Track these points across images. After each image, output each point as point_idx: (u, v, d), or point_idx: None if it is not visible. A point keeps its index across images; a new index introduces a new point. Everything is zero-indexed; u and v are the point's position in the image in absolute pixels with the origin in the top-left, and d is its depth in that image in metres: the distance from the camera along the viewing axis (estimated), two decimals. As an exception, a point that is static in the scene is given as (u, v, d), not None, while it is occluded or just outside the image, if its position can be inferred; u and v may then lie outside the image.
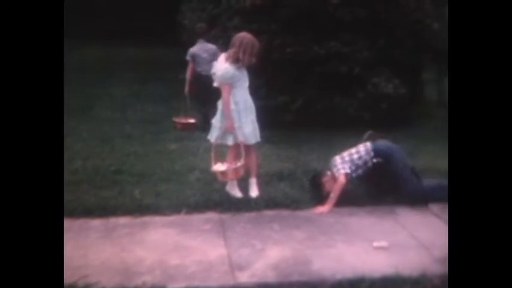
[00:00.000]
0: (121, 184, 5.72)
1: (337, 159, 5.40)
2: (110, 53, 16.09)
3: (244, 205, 5.22)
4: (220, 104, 5.38)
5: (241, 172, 5.37)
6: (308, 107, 8.21)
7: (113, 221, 4.88)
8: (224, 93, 5.26)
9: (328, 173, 5.40)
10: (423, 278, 3.93)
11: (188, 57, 8.38)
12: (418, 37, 8.80)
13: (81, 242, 4.43)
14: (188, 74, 8.43)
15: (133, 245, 4.43)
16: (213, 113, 5.55)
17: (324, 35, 8.10)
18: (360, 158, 5.39)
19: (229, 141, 5.39)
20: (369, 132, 5.78)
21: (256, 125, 5.42)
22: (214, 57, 7.47)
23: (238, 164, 5.32)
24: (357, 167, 5.36)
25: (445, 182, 5.16)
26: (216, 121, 5.45)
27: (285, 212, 5.15)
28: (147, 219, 4.94)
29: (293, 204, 5.27)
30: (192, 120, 8.45)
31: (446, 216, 4.85)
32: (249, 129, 5.31)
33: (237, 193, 5.44)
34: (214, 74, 5.44)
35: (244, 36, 5.26)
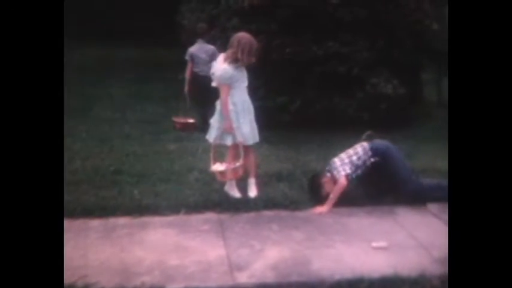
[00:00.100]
0: (120, 184, 5.72)
1: (336, 161, 5.39)
2: (109, 54, 16.09)
3: (243, 205, 5.23)
4: (218, 104, 5.38)
5: (240, 172, 5.37)
6: (307, 107, 8.21)
7: (112, 221, 4.88)
8: (222, 94, 5.27)
9: (328, 174, 5.40)
10: (422, 278, 3.94)
11: (187, 57, 8.39)
12: (417, 37, 8.81)
13: (80, 242, 4.43)
14: (187, 74, 8.45)
15: (132, 245, 4.43)
16: (212, 113, 5.56)
17: (323, 35, 8.10)
18: (358, 158, 5.39)
19: (228, 142, 5.39)
20: (367, 133, 5.79)
21: (254, 126, 5.43)
22: (212, 57, 7.47)
23: (237, 164, 5.32)
24: (356, 167, 5.36)
25: (444, 182, 5.21)
26: (214, 121, 5.46)
27: (283, 213, 5.15)
28: (146, 219, 4.94)
29: (292, 204, 5.27)
30: (191, 120, 8.46)
31: (445, 217, 4.87)
32: (247, 129, 5.31)
33: (236, 193, 5.45)
34: (213, 74, 5.44)
35: (242, 36, 5.26)
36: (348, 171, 5.29)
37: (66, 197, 4.58)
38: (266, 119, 5.87)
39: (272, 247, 4.43)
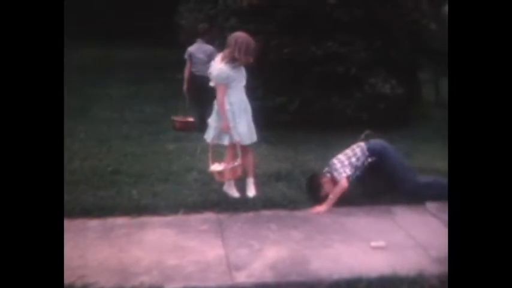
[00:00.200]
0: (119, 184, 5.72)
1: (336, 163, 5.40)
2: (108, 54, 16.08)
3: (242, 205, 5.23)
4: (216, 104, 5.39)
5: (239, 172, 5.37)
6: (306, 107, 8.21)
7: (111, 221, 4.88)
8: (219, 94, 5.27)
9: (327, 175, 5.40)
10: (420, 277, 3.95)
11: (186, 56, 8.39)
12: (415, 37, 8.81)
13: (79, 243, 4.43)
14: (186, 73, 8.44)
15: (131, 245, 4.43)
16: (210, 113, 5.56)
17: (321, 35, 8.10)
18: (357, 159, 5.41)
19: (225, 141, 5.39)
20: (366, 132, 5.80)
21: (252, 126, 5.42)
22: (210, 58, 7.46)
23: (235, 164, 5.32)
24: (356, 168, 5.38)
25: (441, 178, 5.28)
26: (212, 121, 5.46)
27: (282, 212, 5.16)
28: (144, 219, 4.94)
29: (290, 204, 5.28)
30: (191, 119, 8.44)
31: (444, 216, 4.89)
32: (244, 129, 5.31)
33: (235, 193, 5.45)
34: (210, 74, 5.44)
35: (239, 35, 5.26)
36: (349, 172, 5.30)
37: (65, 197, 4.56)
38: (265, 118, 5.87)
39: (271, 247, 4.43)
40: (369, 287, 3.84)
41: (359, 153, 5.44)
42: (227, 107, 5.24)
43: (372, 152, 5.45)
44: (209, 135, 5.48)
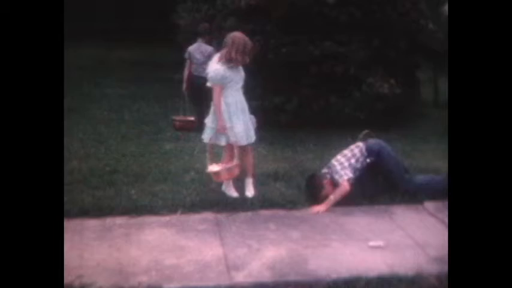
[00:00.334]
0: (117, 184, 5.71)
1: (336, 164, 5.39)
2: (106, 53, 16.07)
3: (240, 205, 5.23)
4: (213, 104, 5.38)
5: (235, 173, 5.36)
6: (304, 107, 8.21)
7: (109, 221, 4.87)
8: (215, 94, 5.26)
9: (327, 176, 5.39)
10: (419, 277, 3.95)
11: (186, 56, 8.38)
12: (413, 37, 8.82)
13: (77, 243, 4.42)
14: (185, 73, 8.42)
15: (129, 245, 4.43)
16: (207, 113, 5.55)
17: (319, 35, 8.10)
18: (357, 160, 5.41)
19: (222, 142, 5.39)
20: (364, 132, 5.81)
21: (249, 126, 5.41)
22: (208, 58, 7.47)
23: (231, 164, 5.32)
24: (355, 169, 5.38)
25: (436, 176, 5.36)
26: (209, 121, 5.45)
27: (280, 212, 5.16)
28: (143, 219, 4.93)
29: (289, 204, 5.27)
30: (191, 118, 8.40)
31: (442, 215, 4.90)
32: (240, 129, 5.30)
33: (233, 193, 5.44)
34: (207, 74, 5.44)
35: (235, 35, 5.26)
36: (350, 175, 5.30)
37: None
38: (263, 118, 5.86)
39: (269, 246, 4.43)
40: (368, 286, 3.84)
41: (358, 154, 5.44)
42: (223, 107, 5.24)
43: (370, 152, 5.46)
44: (206, 136, 5.47)
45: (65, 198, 4.87)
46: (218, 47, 5.96)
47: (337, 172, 5.33)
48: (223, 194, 5.44)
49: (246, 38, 5.24)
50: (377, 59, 8.38)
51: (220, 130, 5.29)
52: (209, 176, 5.52)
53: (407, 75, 9.12)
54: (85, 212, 4.98)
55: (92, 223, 4.82)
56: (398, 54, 8.59)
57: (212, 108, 5.39)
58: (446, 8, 9.31)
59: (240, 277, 3.95)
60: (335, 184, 5.33)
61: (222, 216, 5.02)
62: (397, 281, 3.88)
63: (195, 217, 5.01)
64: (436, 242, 4.44)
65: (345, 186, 5.24)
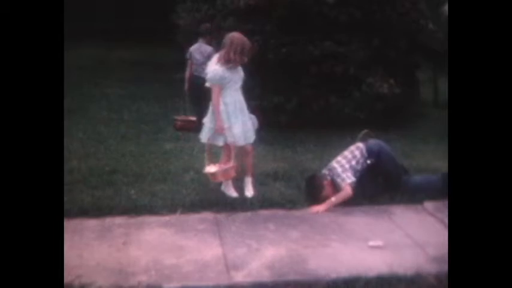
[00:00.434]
0: (116, 184, 5.71)
1: (337, 167, 5.38)
2: (106, 54, 16.06)
3: (240, 205, 5.23)
4: (212, 105, 5.38)
5: (231, 174, 5.36)
6: (303, 107, 8.21)
7: (109, 221, 4.87)
8: (213, 94, 5.27)
9: (328, 177, 5.39)
10: (418, 276, 3.95)
11: (187, 56, 8.37)
12: (413, 37, 8.82)
13: (76, 242, 4.42)
14: (187, 73, 8.41)
15: (129, 245, 4.43)
16: (206, 113, 5.55)
17: (319, 35, 8.11)
18: (357, 162, 5.42)
19: (220, 142, 5.39)
20: (364, 132, 5.81)
21: (248, 126, 5.41)
22: (208, 58, 7.47)
23: (227, 165, 5.32)
24: (356, 171, 5.39)
25: (433, 176, 5.46)
26: (207, 121, 5.45)
27: (280, 212, 5.16)
28: (142, 219, 4.93)
29: (288, 203, 5.28)
30: (192, 118, 8.38)
31: (441, 215, 4.91)
32: (238, 130, 5.30)
33: (233, 193, 5.44)
34: (206, 74, 5.45)
35: (233, 36, 5.26)
36: (353, 179, 5.30)
37: (63, 197, 4.58)
38: (262, 118, 5.86)
39: (269, 246, 4.43)
40: (367, 286, 3.84)
41: (358, 156, 5.44)
42: (222, 107, 5.24)
43: (370, 153, 5.46)
44: (204, 135, 5.47)
45: (65, 198, 4.87)
46: (218, 48, 5.97)
47: (338, 175, 5.32)
48: (223, 194, 5.45)
49: (245, 39, 5.24)
50: (377, 59, 8.39)
51: (219, 130, 5.29)
52: (207, 176, 5.53)
53: (407, 75, 9.13)
54: (85, 212, 4.98)
55: (92, 223, 4.83)
56: (398, 54, 8.60)
57: (211, 108, 5.39)
58: (446, 8, 9.32)
59: (239, 277, 3.95)
60: (335, 186, 5.33)
61: (221, 216, 5.02)
62: (397, 281, 3.89)
63: (195, 217, 5.01)
64: (435, 241, 4.45)
65: (347, 190, 5.24)
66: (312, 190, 5.39)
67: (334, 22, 8.06)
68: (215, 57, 5.37)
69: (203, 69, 6.52)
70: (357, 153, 5.47)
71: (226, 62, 5.20)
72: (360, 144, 5.55)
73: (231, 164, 5.33)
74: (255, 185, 5.57)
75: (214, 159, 5.53)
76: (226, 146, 5.40)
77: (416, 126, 8.81)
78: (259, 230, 4.76)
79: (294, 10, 8.02)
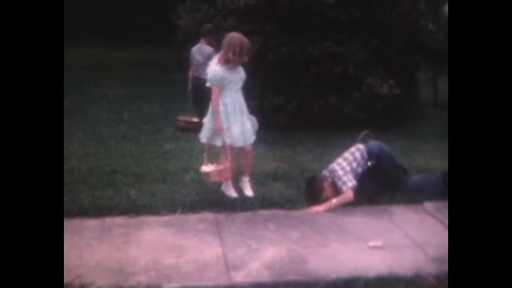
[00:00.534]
0: (116, 184, 5.71)
1: (338, 169, 5.37)
2: (106, 54, 16.07)
3: (240, 205, 5.23)
4: (211, 105, 5.38)
5: (226, 174, 5.36)
6: (303, 107, 8.22)
7: (109, 221, 4.87)
8: (213, 95, 5.27)
9: (329, 179, 5.39)
10: (418, 277, 3.95)
11: (191, 57, 8.36)
12: (413, 37, 8.83)
13: (76, 242, 4.42)
14: (190, 74, 8.40)
15: (128, 245, 4.43)
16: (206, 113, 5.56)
17: (318, 35, 8.11)
18: (358, 164, 5.42)
19: (218, 142, 5.38)
20: (364, 132, 5.81)
21: (247, 128, 5.40)
22: (208, 59, 7.48)
23: (223, 166, 5.32)
24: (356, 173, 5.39)
25: (431, 176, 5.49)
26: (206, 121, 5.46)
27: (280, 212, 5.16)
28: (142, 219, 4.93)
29: (288, 204, 5.27)
30: (195, 120, 8.36)
31: (441, 215, 4.91)
32: (237, 131, 5.30)
33: (232, 193, 5.44)
34: (207, 74, 5.45)
35: (232, 36, 5.26)
36: (354, 182, 5.29)
37: (62, 197, 4.58)
38: (262, 118, 5.86)
39: (268, 246, 4.43)
40: (367, 286, 3.84)
41: (359, 158, 5.44)
42: (221, 108, 5.24)
43: (370, 155, 5.46)
44: (203, 135, 5.48)
45: (65, 198, 4.87)
46: (218, 48, 5.97)
47: (339, 177, 5.31)
48: (223, 194, 5.45)
49: (244, 39, 5.24)
50: (376, 59, 8.40)
51: (217, 131, 5.29)
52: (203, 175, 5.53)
53: (406, 76, 9.14)
54: (84, 212, 4.98)
55: (92, 223, 4.83)
56: (397, 55, 8.60)
57: (210, 109, 5.39)
58: (446, 8, 9.33)
59: (239, 277, 3.95)
60: (336, 188, 5.33)
61: (221, 216, 5.02)
62: (396, 281, 3.88)
63: (195, 217, 5.01)
64: (435, 242, 4.45)
65: (349, 194, 5.24)
66: (312, 191, 5.39)
67: (334, 22, 8.07)
68: (216, 58, 5.38)
69: (203, 70, 6.52)
70: (358, 155, 5.46)
71: (226, 62, 5.20)
72: (361, 146, 5.54)
73: (227, 164, 5.33)
74: (255, 185, 5.56)
75: (214, 159, 5.53)
76: (225, 147, 5.40)
77: (416, 127, 8.81)
78: (259, 230, 4.76)
79: (294, 10, 8.03)
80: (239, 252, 4.33)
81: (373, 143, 5.62)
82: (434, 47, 9.28)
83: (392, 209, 5.24)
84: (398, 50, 8.60)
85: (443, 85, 9.49)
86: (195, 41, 8.38)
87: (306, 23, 8.12)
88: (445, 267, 3.38)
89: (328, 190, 5.33)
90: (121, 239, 4.54)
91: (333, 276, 3.94)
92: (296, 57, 8.05)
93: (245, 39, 5.25)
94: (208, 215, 5.04)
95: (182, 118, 8.48)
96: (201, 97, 6.82)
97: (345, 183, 5.28)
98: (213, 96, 5.27)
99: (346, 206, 5.22)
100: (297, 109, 8.21)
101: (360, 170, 5.41)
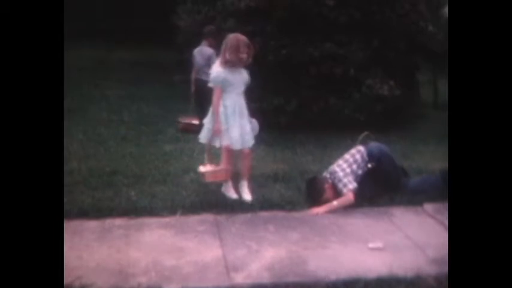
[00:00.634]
0: (116, 185, 5.71)
1: (338, 171, 5.37)
2: (106, 54, 16.08)
3: (240, 206, 5.23)
4: (212, 106, 5.38)
5: (222, 176, 5.36)
6: (303, 108, 8.22)
7: (109, 222, 4.87)
8: (214, 96, 5.28)
9: (329, 181, 5.39)
10: (418, 278, 3.94)
11: (193, 59, 8.35)
12: (412, 39, 8.83)
13: (76, 243, 4.42)
14: (192, 75, 8.40)
15: (128, 246, 4.42)
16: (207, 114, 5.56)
17: (318, 36, 8.12)
18: (358, 166, 5.42)
19: (217, 143, 5.38)
20: (364, 133, 5.81)
21: (246, 131, 5.38)
22: (208, 61, 7.50)
23: (219, 168, 5.32)
24: (357, 175, 5.39)
25: (430, 177, 5.53)
26: (207, 122, 5.46)
27: (280, 213, 5.15)
28: (142, 220, 4.93)
29: (288, 205, 5.27)
30: (195, 121, 8.37)
31: (441, 217, 4.90)
32: (236, 133, 5.29)
33: (233, 194, 5.44)
34: (210, 75, 5.45)
35: (228, 37, 5.28)
36: (355, 184, 5.29)
37: (62, 198, 4.57)
38: (262, 120, 5.87)
39: (268, 248, 4.43)
40: (367, 287, 3.83)
41: (359, 160, 5.44)
42: (221, 109, 5.24)
43: (370, 157, 5.46)
44: (203, 136, 5.48)
45: (65, 199, 4.87)
46: (219, 50, 5.98)
47: (340, 180, 5.31)
48: (223, 196, 5.44)
49: (240, 37, 5.23)
50: (376, 60, 8.41)
51: (216, 132, 5.29)
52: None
53: (406, 77, 9.15)
54: (85, 213, 4.97)
55: (92, 224, 4.82)
56: (397, 56, 8.62)
57: (211, 109, 5.40)
58: (446, 10, 9.34)
59: (239, 278, 3.95)
60: (336, 190, 5.32)
61: (221, 218, 5.01)
62: (396, 283, 3.88)
63: (195, 218, 5.00)
64: (435, 243, 4.44)
65: (349, 196, 5.24)
66: (313, 193, 5.39)
67: (334, 23, 8.08)
68: (218, 60, 5.39)
69: (204, 72, 6.52)
70: (358, 157, 5.46)
71: (225, 63, 5.21)
72: (361, 148, 5.54)
73: (224, 166, 5.32)
74: (254, 187, 5.56)
75: (214, 160, 5.53)
76: (224, 148, 5.39)
77: (416, 128, 8.82)
78: (259, 231, 4.75)
79: (294, 11, 8.04)
80: (239, 253, 4.32)
81: (374, 145, 5.61)
82: (434, 48, 9.29)
83: (392, 211, 5.24)
84: (398, 51, 8.61)
85: (443, 86, 9.51)
86: (195, 43, 8.37)
87: (306, 24, 8.13)
88: (445, 269, 3.38)
89: (328, 192, 5.33)
90: (121, 240, 4.53)
91: (333, 277, 3.94)
92: (296, 59, 8.06)
93: (242, 38, 5.24)
94: (208, 217, 5.04)
95: (183, 120, 8.48)
96: (202, 99, 6.83)
97: (345, 185, 5.27)
98: (214, 97, 5.27)
99: (346, 208, 5.22)
100: (297, 110, 8.21)
101: (360, 171, 5.41)
